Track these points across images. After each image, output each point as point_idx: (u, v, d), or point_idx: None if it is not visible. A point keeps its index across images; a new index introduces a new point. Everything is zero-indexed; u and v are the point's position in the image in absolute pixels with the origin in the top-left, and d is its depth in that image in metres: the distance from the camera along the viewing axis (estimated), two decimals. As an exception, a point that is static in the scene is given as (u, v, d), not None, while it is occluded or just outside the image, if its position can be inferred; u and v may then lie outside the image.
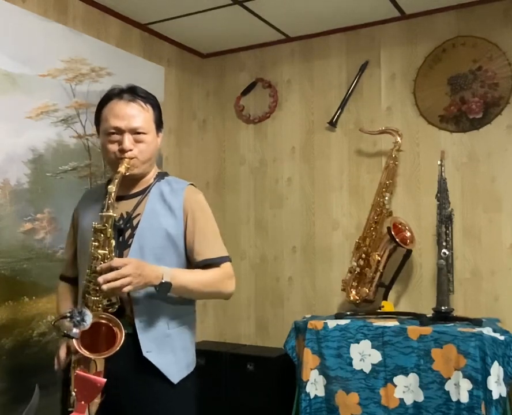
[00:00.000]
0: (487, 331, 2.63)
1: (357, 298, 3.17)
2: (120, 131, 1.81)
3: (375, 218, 3.21)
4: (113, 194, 1.73)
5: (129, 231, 1.83)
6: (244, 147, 3.85)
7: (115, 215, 1.73)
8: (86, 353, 1.64)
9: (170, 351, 1.83)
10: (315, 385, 2.87)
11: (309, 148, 3.63)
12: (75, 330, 1.61)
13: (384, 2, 3.15)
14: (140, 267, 1.70)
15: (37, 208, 2.72)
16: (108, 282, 1.65)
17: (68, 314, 1.61)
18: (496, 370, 2.52)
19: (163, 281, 1.73)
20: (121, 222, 1.83)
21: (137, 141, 1.83)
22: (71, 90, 2.92)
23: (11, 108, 2.61)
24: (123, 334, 1.66)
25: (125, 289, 1.67)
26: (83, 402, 1.65)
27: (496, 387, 2.50)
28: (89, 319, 1.61)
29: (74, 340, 1.63)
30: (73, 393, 1.67)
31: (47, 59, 2.79)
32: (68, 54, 2.90)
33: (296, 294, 3.63)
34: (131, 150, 1.81)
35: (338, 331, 2.86)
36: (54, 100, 2.81)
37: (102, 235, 1.71)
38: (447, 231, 2.94)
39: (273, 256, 3.72)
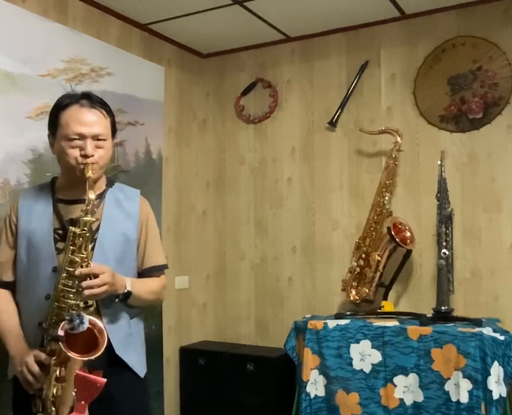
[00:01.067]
0: (487, 331, 2.63)
1: (357, 298, 3.17)
2: (82, 137, 1.85)
3: (375, 218, 3.21)
4: (92, 200, 1.76)
5: (91, 233, 1.85)
6: (244, 147, 3.85)
7: (94, 220, 1.78)
8: (75, 355, 1.67)
9: (134, 349, 1.96)
10: (315, 385, 2.87)
11: (309, 149, 3.63)
12: (60, 333, 1.66)
13: (384, 2, 3.15)
14: (113, 275, 1.80)
15: (37, 208, 2.71)
16: (91, 288, 1.73)
17: (68, 318, 1.67)
18: (496, 370, 2.52)
19: (126, 291, 1.86)
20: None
21: (97, 147, 1.87)
22: (71, 90, 2.91)
23: (11, 108, 2.61)
24: (105, 337, 1.72)
25: (102, 296, 1.78)
26: (83, 402, 1.66)
27: (496, 387, 2.50)
28: (87, 321, 1.69)
29: (60, 343, 1.67)
30: (73, 393, 1.68)
31: (47, 59, 2.79)
32: (68, 54, 2.90)
33: (296, 294, 3.63)
34: (93, 155, 1.85)
35: (338, 331, 2.86)
36: (54, 100, 2.79)
37: (81, 239, 1.75)
38: (447, 232, 2.94)
39: (273, 256, 3.72)
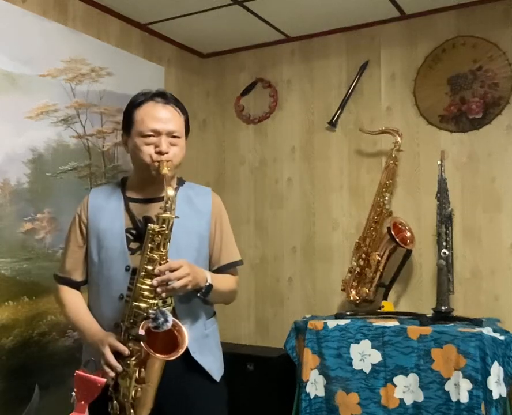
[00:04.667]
0: (487, 331, 2.63)
1: (357, 298, 3.17)
2: (157, 134, 1.82)
3: (375, 218, 3.21)
4: (172, 197, 1.73)
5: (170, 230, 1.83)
6: (244, 147, 3.85)
7: (173, 216, 1.73)
8: (159, 355, 1.66)
9: (209, 351, 1.91)
10: (315, 385, 2.87)
11: (309, 148, 3.63)
12: (141, 332, 1.64)
13: (384, 2, 3.15)
14: (192, 268, 1.76)
15: (37, 208, 2.71)
16: (167, 282, 1.69)
17: (152, 316, 1.65)
18: (496, 370, 2.52)
19: (207, 284, 1.81)
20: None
21: (171, 144, 1.84)
22: (71, 90, 2.92)
23: (11, 108, 2.61)
24: (186, 336, 1.69)
25: (184, 290, 1.73)
26: (83, 402, 1.66)
27: (496, 387, 2.50)
28: (171, 319, 1.67)
29: (142, 342, 1.65)
30: (73, 393, 1.67)
31: (47, 59, 2.79)
32: (68, 54, 2.90)
33: (296, 294, 3.63)
34: (167, 152, 1.82)
35: (338, 331, 2.86)
36: (54, 100, 2.81)
37: (160, 236, 1.71)
38: (447, 232, 2.94)
39: (272, 256, 3.72)
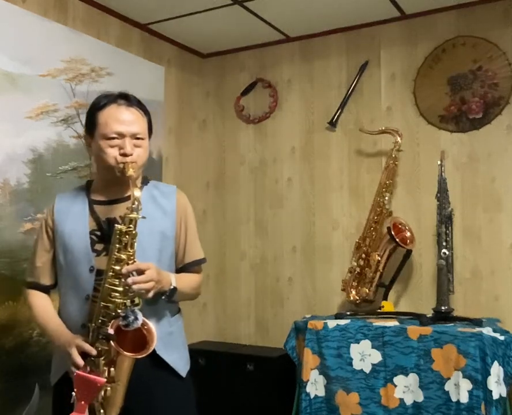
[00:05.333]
0: (487, 331, 2.63)
1: (357, 298, 3.17)
2: (121, 136, 1.84)
3: (375, 218, 3.21)
4: (138, 198, 1.75)
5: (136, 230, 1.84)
6: (244, 147, 3.85)
7: (140, 217, 1.76)
8: (129, 354, 1.68)
9: (174, 348, 1.93)
10: (315, 385, 2.87)
11: (309, 149, 3.63)
12: (111, 331, 1.66)
13: (384, 2, 3.15)
14: (159, 271, 1.78)
15: (37, 208, 2.71)
16: (138, 283, 1.72)
17: (122, 314, 1.68)
18: (496, 370, 2.52)
19: (172, 287, 1.84)
20: None
21: (135, 146, 1.86)
22: (71, 90, 2.92)
23: (11, 108, 2.61)
24: (154, 334, 1.71)
25: (150, 294, 1.75)
26: (83, 402, 1.66)
27: (496, 387, 2.50)
28: (141, 317, 1.69)
29: (112, 341, 1.68)
30: (73, 393, 1.68)
31: (47, 59, 2.79)
32: (68, 54, 2.90)
33: (296, 294, 3.63)
34: (132, 154, 1.84)
35: (338, 331, 2.86)
36: (54, 100, 2.82)
37: (127, 237, 1.73)
38: (447, 231, 2.94)
39: (273, 256, 3.72)
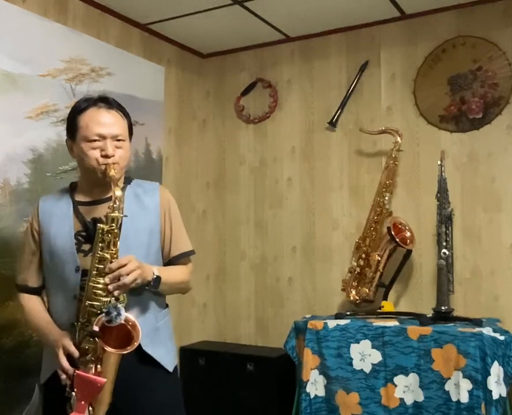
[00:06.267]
0: (487, 331, 2.63)
1: (357, 298, 3.17)
2: (102, 138, 1.86)
3: (375, 218, 3.21)
4: (120, 197, 1.78)
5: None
6: (244, 147, 3.85)
7: (121, 215, 1.79)
8: (114, 350, 1.70)
9: (161, 343, 1.96)
10: (315, 385, 2.87)
11: (309, 148, 3.63)
12: (95, 328, 1.68)
13: (384, 2, 3.15)
14: (139, 262, 1.81)
15: (37, 208, 2.71)
16: (118, 278, 1.74)
17: (105, 310, 1.70)
18: (496, 370, 2.52)
19: (155, 276, 1.86)
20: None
21: (117, 147, 1.89)
22: (71, 90, 2.92)
23: (11, 108, 2.61)
24: (139, 330, 1.73)
25: (134, 284, 1.78)
26: (83, 402, 1.67)
27: (496, 387, 2.50)
28: (124, 313, 1.71)
29: (97, 339, 1.69)
30: (73, 394, 1.68)
31: (47, 59, 2.79)
32: (68, 54, 2.90)
33: (296, 294, 3.63)
34: (113, 155, 1.86)
35: (338, 331, 2.86)
36: (54, 100, 2.82)
37: (109, 235, 1.76)
38: (447, 232, 2.94)
39: (273, 256, 3.72)
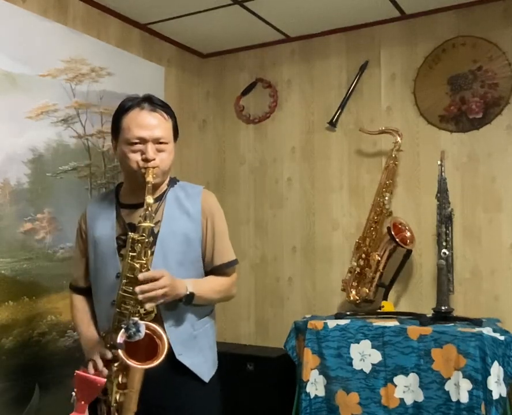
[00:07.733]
0: (487, 331, 2.62)
1: (357, 298, 3.17)
2: (143, 141, 1.82)
3: (375, 218, 3.21)
4: (151, 205, 1.74)
5: (150, 238, 1.83)
6: (244, 147, 3.85)
7: (153, 225, 1.75)
8: (134, 363, 1.67)
9: (198, 352, 1.89)
10: (315, 385, 2.87)
11: (309, 149, 3.63)
12: (120, 340, 1.65)
13: (384, 2, 3.15)
14: (172, 278, 1.75)
15: (37, 208, 2.71)
16: (151, 291, 1.70)
17: (124, 326, 1.66)
18: (496, 370, 2.52)
19: (188, 293, 1.80)
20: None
21: (159, 150, 1.84)
22: (71, 90, 2.92)
23: (11, 108, 2.61)
24: (166, 344, 1.69)
25: (163, 300, 1.73)
26: (83, 402, 1.67)
27: (496, 387, 2.50)
28: (144, 329, 1.67)
29: (120, 350, 1.66)
30: (73, 393, 1.68)
31: (47, 59, 2.79)
32: (68, 54, 2.90)
33: (296, 294, 3.63)
34: (154, 159, 1.82)
35: (338, 331, 2.86)
36: (54, 100, 2.82)
37: (139, 245, 1.72)
38: (447, 232, 2.94)
39: (272, 256, 3.72)
